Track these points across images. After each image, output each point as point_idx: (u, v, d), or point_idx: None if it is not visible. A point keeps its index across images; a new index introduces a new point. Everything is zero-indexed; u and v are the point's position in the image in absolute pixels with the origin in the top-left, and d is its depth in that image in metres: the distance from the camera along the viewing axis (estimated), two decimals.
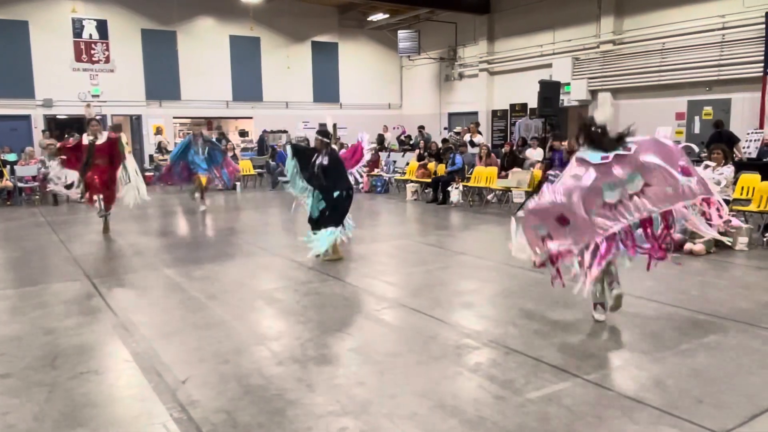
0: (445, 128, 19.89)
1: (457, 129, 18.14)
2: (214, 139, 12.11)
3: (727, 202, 7.57)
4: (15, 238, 8.48)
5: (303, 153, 6.98)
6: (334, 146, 7.05)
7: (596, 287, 4.55)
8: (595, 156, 4.34)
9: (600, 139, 4.36)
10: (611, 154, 4.27)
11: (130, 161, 8.65)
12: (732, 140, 10.90)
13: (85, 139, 8.41)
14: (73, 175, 8.41)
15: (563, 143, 12.25)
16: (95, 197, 8.40)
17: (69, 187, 8.45)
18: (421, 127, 18.38)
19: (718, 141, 10.07)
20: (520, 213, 4.64)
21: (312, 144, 7.99)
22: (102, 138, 8.39)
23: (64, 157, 8.39)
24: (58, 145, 8.89)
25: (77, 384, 3.49)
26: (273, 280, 6.14)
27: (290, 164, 6.87)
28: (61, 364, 3.77)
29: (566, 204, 4.23)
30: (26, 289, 5.70)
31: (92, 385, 3.49)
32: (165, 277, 6.14)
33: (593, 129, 4.39)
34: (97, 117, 8.68)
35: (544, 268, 4.47)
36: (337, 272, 6.22)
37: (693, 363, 3.68)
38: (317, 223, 6.64)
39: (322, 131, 6.82)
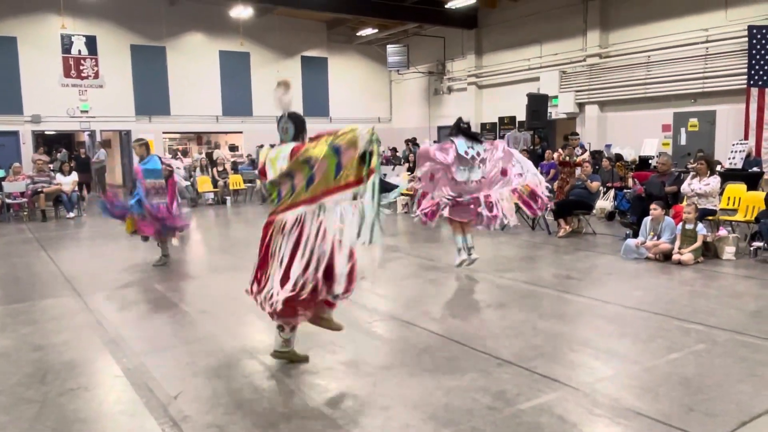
0: (434, 141, 19.94)
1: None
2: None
3: (713, 212, 7.72)
4: (3, 255, 8.40)
5: None
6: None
7: (456, 237, 6.62)
8: (462, 145, 6.34)
9: (467, 132, 6.47)
10: (472, 152, 6.36)
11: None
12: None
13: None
14: None
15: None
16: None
17: None
18: (407, 141, 18.42)
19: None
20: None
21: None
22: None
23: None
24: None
25: (67, 400, 3.46)
26: None
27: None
28: (51, 381, 3.74)
29: (434, 165, 6.47)
30: (15, 305, 5.65)
31: (82, 402, 3.47)
32: (155, 291, 6.11)
33: (463, 125, 6.49)
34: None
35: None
36: None
37: (683, 371, 3.71)
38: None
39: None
